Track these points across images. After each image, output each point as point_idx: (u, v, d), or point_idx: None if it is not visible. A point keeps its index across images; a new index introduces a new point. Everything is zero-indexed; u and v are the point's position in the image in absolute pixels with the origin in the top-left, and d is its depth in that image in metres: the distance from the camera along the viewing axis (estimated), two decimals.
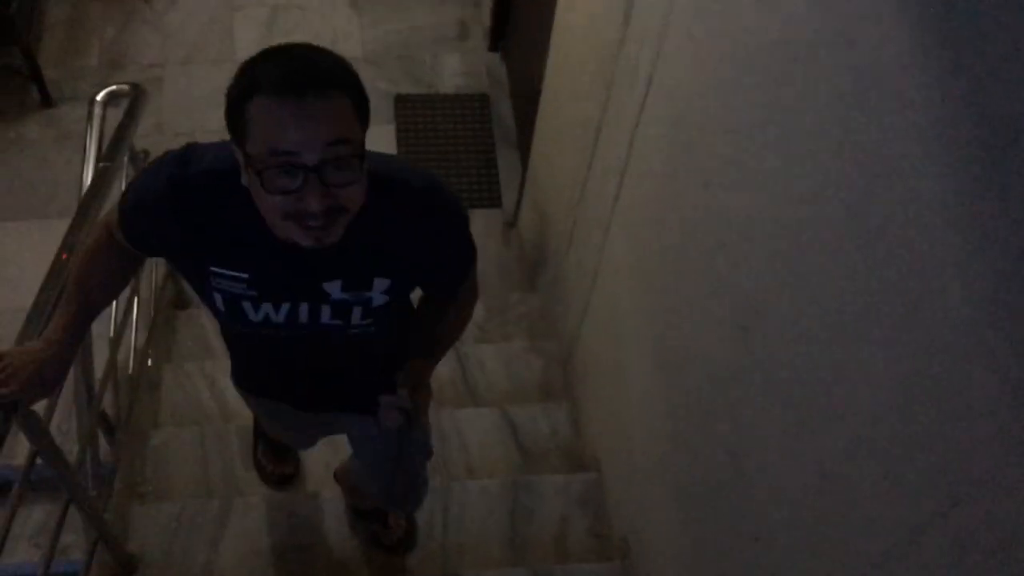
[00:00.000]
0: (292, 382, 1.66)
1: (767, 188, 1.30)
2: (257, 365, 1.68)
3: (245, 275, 1.32)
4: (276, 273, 1.32)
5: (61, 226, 1.94)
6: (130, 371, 2.38)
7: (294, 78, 1.10)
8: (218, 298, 1.36)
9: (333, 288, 1.34)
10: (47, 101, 3.49)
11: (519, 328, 2.97)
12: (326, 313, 1.38)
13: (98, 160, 2.30)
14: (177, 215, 1.28)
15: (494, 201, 3.51)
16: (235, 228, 1.27)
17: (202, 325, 2.80)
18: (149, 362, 2.56)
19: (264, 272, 1.32)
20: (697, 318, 1.63)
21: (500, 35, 3.77)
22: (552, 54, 2.67)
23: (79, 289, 1.44)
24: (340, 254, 1.27)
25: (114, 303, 2.25)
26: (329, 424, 1.87)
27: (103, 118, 2.49)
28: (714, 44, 1.46)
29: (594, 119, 2.20)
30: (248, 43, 3.75)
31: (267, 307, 1.36)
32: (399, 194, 1.30)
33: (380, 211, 1.26)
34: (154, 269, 2.75)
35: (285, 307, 1.37)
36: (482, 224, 3.40)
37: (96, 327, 1.67)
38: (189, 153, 1.30)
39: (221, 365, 2.28)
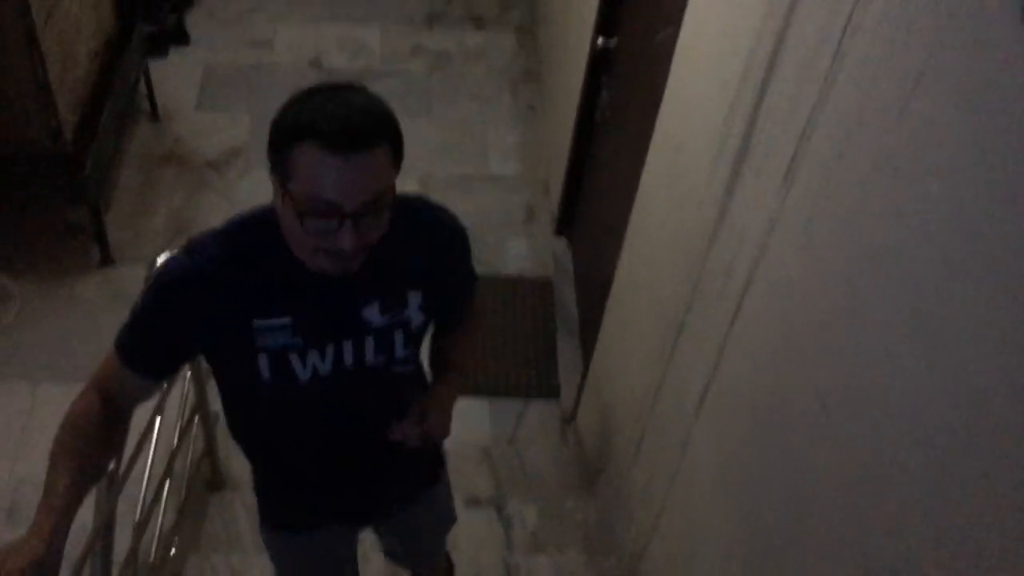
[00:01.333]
0: (336, 484, 1.65)
1: (908, 417, 1.11)
2: (299, 475, 1.64)
3: (288, 319, 1.34)
4: (317, 309, 1.36)
5: None
6: (152, 558, 2.18)
7: (342, 133, 1.16)
8: (264, 363, 1.36)
9: (372, 314, 1.39)
10: (107, 261, 3.46)
11: (575, 537, 2.73)
12: (370, 348, 1.42)
13: None
14: (209, 286, 1.31)
15: (552, 392, 3.33)
16: (270, 274, 1.33)
17: (235, 512, 2.60)
18: (173, 550, 2.35)
19: (306, 311, 1.35)
20: None
21: (568, 221, 3.71)
22: (627, 245, 2.56)
23: (64, 471, 1.31)
24: (373, 273, 1.33)
25: (144, 480, 2.08)
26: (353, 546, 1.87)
27: None
28: (839, 243, 1.31)
29: (674, 320, 2.05)
30: None
31: (314, 356, 1.38)
32: (418, 212, 1.45)
33: (403, 228, 1.35)
34: (191, 445, 2.60)
35: (330, 350, 1.39)
36: (537, 416, 3.22)
37: (122, 504, 1.49)
38: (191, 244, 1.36)
39: (250, 560, 2.08)
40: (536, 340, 3.47)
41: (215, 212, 3.75)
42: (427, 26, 4.70)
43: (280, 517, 1.73)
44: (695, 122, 1.99)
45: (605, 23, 3.07)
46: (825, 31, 1.34)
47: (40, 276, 3.41)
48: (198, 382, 2.60)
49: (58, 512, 1.27)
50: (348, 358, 1.42)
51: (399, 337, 1.44)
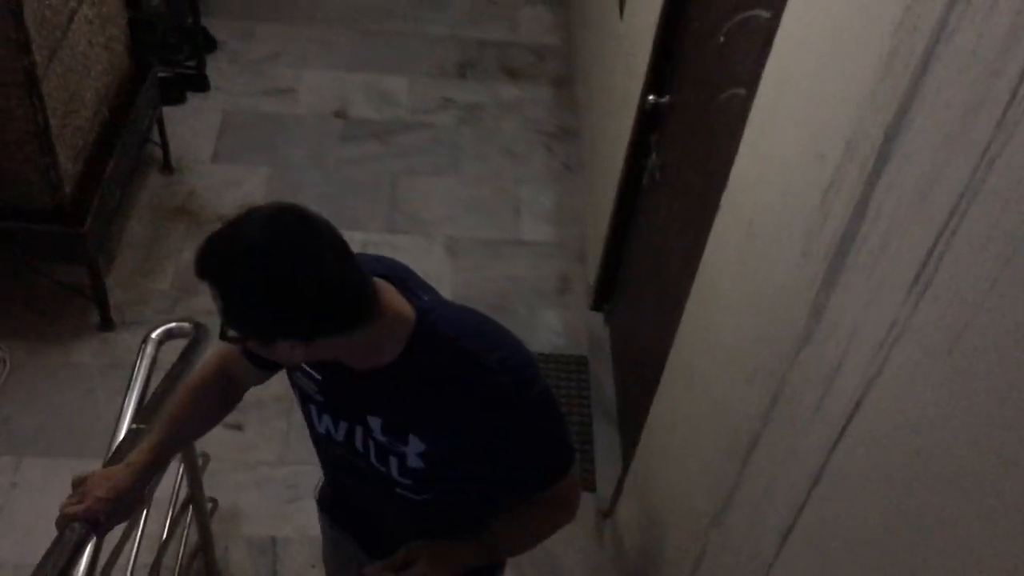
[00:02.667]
0: (358, 515, 1.66)
1: None
2: (333, 482, 1.70)
3: (319, 377, 1.38)
4: (340, 387, 1.36)
5: (94, 467, 1.59)
6: None
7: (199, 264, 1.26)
8: (297, 395, 1.46)
9: (375, 424, 1.37)
10: (106, 325, 3.18)
11: None
12: (372, 451, 1.40)
13: (136, 415, 1.93)
14: None
15: (586, 483, 3.00)
16: None
17: None
18: None
19: (331, 382, 1.37)
20: None
21: (606, 295, 3.41)
22: (683, 331, 2.25)
23: (173, 421, 1.53)
24: (384, 389, 1.31)
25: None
26: None
27: (154, 360, 2.21)
28: (1002, 374, 0.99)
29: (743, 431, 1.73)
30: None
31: (327, 420, 1.42)
32: (448, 351, 1.29)
33: (423, 360, 1.29)
34: (184, 539, 2.31)
35: (343, 426, 1.41)
36: None
37: None
38: None
39: None
40: (570, 426, 3.15)
41: None
42: (458, 76, 4.46)
43: (323, 497, 1.79)
44: (778, 197, 1.70)
45: (657, 80, 2.80)
46: (986, 80, 1.04)
47: (32, 339, 3.13)
48: (191, 468, 2.31)
49: (155, 453, 1.47)
50: (359, 443, 1.42)
51: (394, 462, 1.39)
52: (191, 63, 4.16)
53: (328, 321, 1.18)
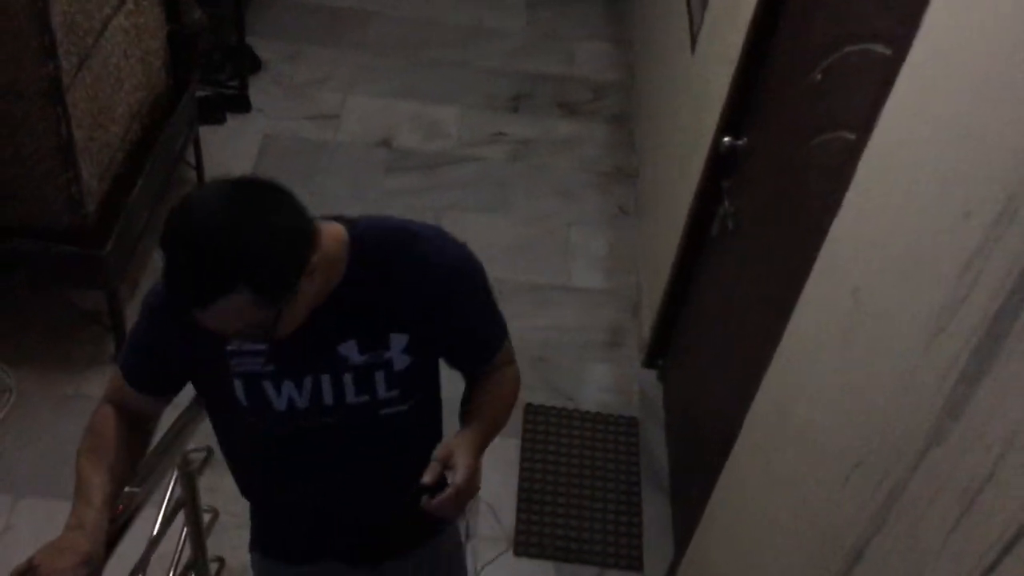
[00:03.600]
0: (330, 522, 1.58)
1: None
2: (293, 511, 1.59)
3: (263, 345, 1.32)
4: (291, 339, 1.28)
5: None
6: None
7: (179, 296, 1.22)
8: (240, 389, 1.36)
9: (350, 351, 1.34)
10: None
11: None
12: (349, 386, 1.36)
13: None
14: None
15: (632, 561, 2.71)
16: None
17: None
18: None
19: (279, 341, 1.28)
20: None
21: (660, 351, 3.13)
22: (760, 404, 1.97)
23: (110, 469, 1.37)
24: (349, 310, 1.31)
25: None
26: None
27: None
28: None
29: (846, 542, 1.45)
30: None
31: (289, 387, 1.36)
32: (407, 248, 1.35)
33: (392, 264, 1.34)
34: (178, 554, 2.06)
35: (308, 382, 1.36)
36: None
37: None
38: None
39: None
40: (616, 494, 2.86)
41: None
42: (511, 109, 4.24)
43: (274, 545, 1.68)
44: (898, 262, 1.42)
45: (734, 120, 2.54)
46: None
47: (43, 368, 2.92)
48: (195, 530, 2.05)
49: (96, 508, 1.31)
50: (327, 396, 1.38)
51: (380, 376, 1.38)
52: (233, 83, 3.98)
53: (303, 261, 1.21)
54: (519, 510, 2.77)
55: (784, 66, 2.29)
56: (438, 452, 1.32)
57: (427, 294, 1.37)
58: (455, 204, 3.71)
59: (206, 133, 3.65)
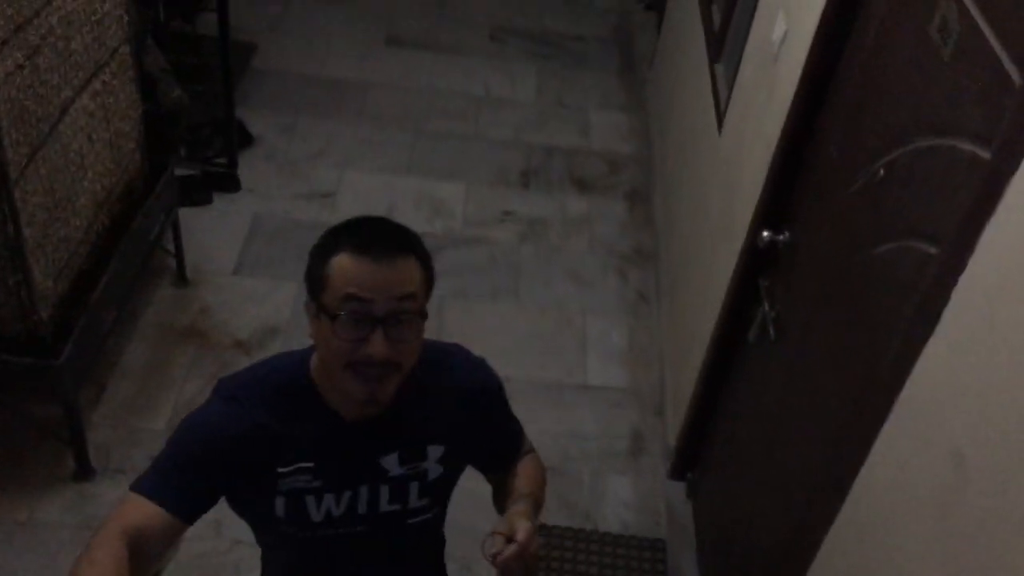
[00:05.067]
0: None
1: None
2: None
3: (311, 464, 1.37)
4: (339, 454, 1.39)
5: None
6: None
7: (372, 241, 1.28)
8: (280, 504, 1.39)
9: (391, 463, 1.41)
10: (84, 473, 2.63)
11: None
12: (384, 497, 1.43)
13: None
14: (240, 434, 1.34)
15: None
16: (300, 422, 1.37)
17: None
18: None
19: (329, 457, 1.38)
20: None
21: (690, 461, 2.77)
22: (828, 550, 1.62)
23: None
24: (395, 423, 1.39)
25: None
26: None
27: None
28: None
29: None
30: None
31: (329, 500, 1.40)
32: (446, 365, 1.48)
33: (428, 380, 1.43)
34: None
35: (346, 496, 1.41)
36: None
37: None
38: (224, 389, 1.39)
39: None
40: None
41: None
42: (521, 186, 3.95)
43: None
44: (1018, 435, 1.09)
45: (773, 211, 2.22)
46: None
47: None
48: None
49: None
50: (362, 505, 1.42)
51: (414, 487, 1.44)
52: (222, 160, 3.71)
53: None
54: None
55: (834, 153, 1.98)
56: (498, 526, 1.36)
57: (460, 412, 1.47)
58: (460, 291, 3.39)
59: (190, 216, 3.37)
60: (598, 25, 5.15)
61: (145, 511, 1.31)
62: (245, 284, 3.32)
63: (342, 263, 1.26)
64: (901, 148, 1.64)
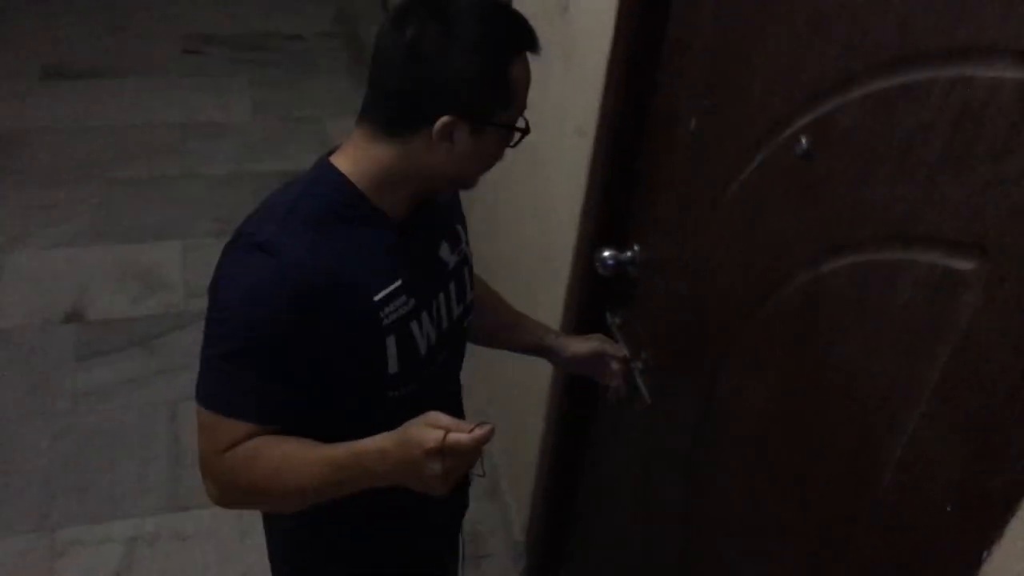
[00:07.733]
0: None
1: None
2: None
3: (399, 282, 1.20)
4: (412, 261, 1.23)
5: None
6: None
7: (535, 35, 1.11)
8: (392, 348, 1.20)
9: (445, 252, 1.31)
10: None
11: None
12: (453, 296, 1.32)
13: None
14: (318, 274, 1.09)
15: None
16: (363, 237, 1.16)
17: None
18: None
19: (407, 265, 1.21)
20: None
21: (553, 559, 2.08)
22: None
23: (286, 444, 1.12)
24: (428, 211, 1.24)
25: None
26: None
27: None
28: None
29: None
30: None
31: (425, 321, 1.25)
32: None
33: None
34: None
35: (434, 309, 1.27)
36: None
37: None
38: (260, 240, 1.09)
39: None
40: None
41: None
42: None
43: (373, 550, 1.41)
44: None
45: (609, 220, 1.56)
46: None
47: None
48: None
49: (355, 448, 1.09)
50: (443, 316, 1.29)
51: (467, 274, 1.35)
52: None
53: None
54: None
55: (695, 128, 1.32)
56: (615, 350, 1.46)
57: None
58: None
59: None
60: (316, 18, 4.39)
61: (248, 432, 1.11)
62: None
63: (523, 67, 1.10)
64: (840, 97, 1.00)
